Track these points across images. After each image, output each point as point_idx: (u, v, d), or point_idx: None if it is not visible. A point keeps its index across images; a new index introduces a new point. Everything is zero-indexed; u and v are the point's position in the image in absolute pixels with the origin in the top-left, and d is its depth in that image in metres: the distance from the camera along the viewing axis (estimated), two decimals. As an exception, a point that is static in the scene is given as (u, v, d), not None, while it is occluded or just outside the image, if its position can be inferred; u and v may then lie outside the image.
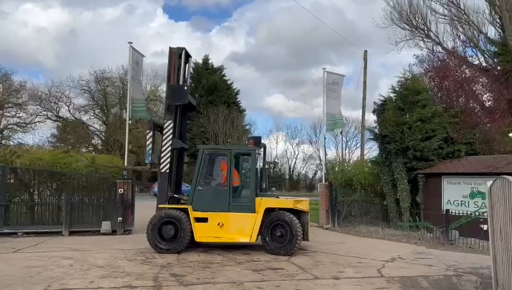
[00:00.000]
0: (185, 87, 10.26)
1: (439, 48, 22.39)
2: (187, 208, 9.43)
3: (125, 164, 14.04)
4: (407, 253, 9.97)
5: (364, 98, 21.73)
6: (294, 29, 74.53)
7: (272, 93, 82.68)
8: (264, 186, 10.63)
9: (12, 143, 38.34)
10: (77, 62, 61.96)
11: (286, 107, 76.01)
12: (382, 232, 13.27)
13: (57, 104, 43.61)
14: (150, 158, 10.17)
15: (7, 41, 58.18)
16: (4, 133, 41.35)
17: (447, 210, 11.74)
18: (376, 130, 16.04)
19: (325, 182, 16.68)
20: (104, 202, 12.68)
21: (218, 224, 9.32)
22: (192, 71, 42.57)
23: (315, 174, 56.31)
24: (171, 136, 10.02)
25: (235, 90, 41.41)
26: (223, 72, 41.80)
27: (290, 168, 56.16)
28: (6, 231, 11.40)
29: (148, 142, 10.25)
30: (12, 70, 41.16)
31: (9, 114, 41.49)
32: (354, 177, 15.94)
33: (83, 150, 41.46)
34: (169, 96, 10.15)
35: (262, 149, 10.71)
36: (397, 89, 15.69)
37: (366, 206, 15.32)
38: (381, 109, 15.64)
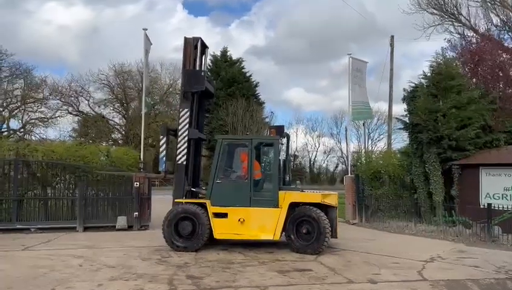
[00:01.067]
0: (202, 73, 9.53)
1: (472, 33, 21.01)
2: (205, 203, 8.74)
3: (141, 158, 13.46)
4: (447, 251, 9.04)
5: (391, 86, 20.60)
6: (314, 21, 73.02)
7: (291, 86, 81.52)
8: (288, 179, 9.85)
9: (34, 138, 38.71)
10: (99, 58, 62.34)
11: (306, 100, 74.80)
12: (415, 228, 12.33)
13: (77, 98, 43.76)
14: (164, 166, 9.34)
15: (32, 39, 58.84)
16: (26, 128, 41.71)
17: (489, 204, 10.71)
18: (406, 119, 14.98)
19: (351, 174, 15.80)
20: (120, 196, 12.15)
21: (239, 220, 8.58)
22: (210, 64, 42.04)
23: (336, 167, 55.25)
24: (187, 126, 9.31)
25: (254, 82, 40.67)
26: (242, 65, 41.15)
27: (310, 161, 55.16)
28: (19, 226, 10.98)
29: (161, 149, 9.44)
30: (33, 66, 41.28)
31: (30, 109, 41.86)
32: (382, 169, 15.00)
33: (104, 144, 41.49)
34: (185, 82, 9.43)
35: (285, 139, 9.92)
36: (429, 74, 14.57)
37: (396, 200, 14.38)
38: (411, 96, 14.56)
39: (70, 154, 12.03)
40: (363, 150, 27.98)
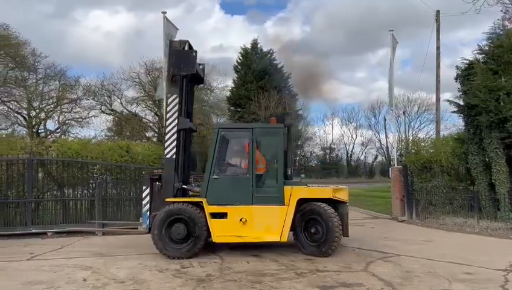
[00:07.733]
0: (193, 53, 8.29)
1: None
2: (201, 202, 7.55)
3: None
4: (528, 256, 7.38)
5: (438, 66, 18.49)
6: (351, 13, 70.40)
7: (327, 79, 78.88)
8: (290, 173, 8.59)
9: (71, 138, 38.85)
10: (141, 61, 63.09)
11: (341, 93, 72.33)
12: (478, 225, 10.62)
13: (110, 97, 43.74)
14: (147, 221, 7.90)
15: (80, 46, 60.15)
16: (63, 128, 42.14)
17: None
18: (459, 101, 13.11)
19: (398, 165, 14.13)
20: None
21: (241, 220, 7.43)
22: (241, 57, 40.82)
23: (375, 158, 52.70)
24: (176, 114, 8.07)
25: (286, 73, 39.25)
26: (273, 56, 39.74)
27: (347, 153, 52.89)
28: (34, 231, 10.13)
29: (144, 202, 8.06)
30: (67, 67, 41.46)
31: (66, 110, 42.26)
32: (433, 158, 13.25)
33: (138, 142, 41.21)
34: (173, 63, 8.16)
35: (285, 129, 8.56)
36: (486, 48, 12.67)
37: (450, 193, 12.63)
38: (466, 75, 12.69)
39: (88, 151, 11.10)
40: (411, 138, 25.82)
